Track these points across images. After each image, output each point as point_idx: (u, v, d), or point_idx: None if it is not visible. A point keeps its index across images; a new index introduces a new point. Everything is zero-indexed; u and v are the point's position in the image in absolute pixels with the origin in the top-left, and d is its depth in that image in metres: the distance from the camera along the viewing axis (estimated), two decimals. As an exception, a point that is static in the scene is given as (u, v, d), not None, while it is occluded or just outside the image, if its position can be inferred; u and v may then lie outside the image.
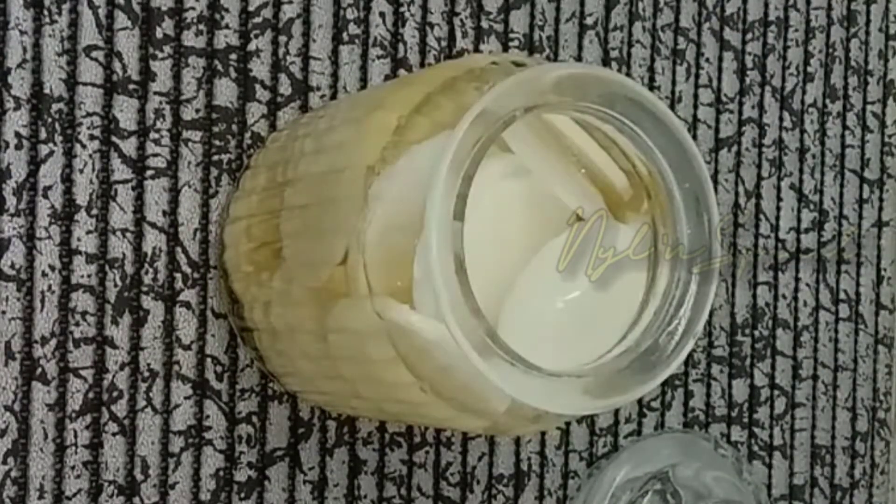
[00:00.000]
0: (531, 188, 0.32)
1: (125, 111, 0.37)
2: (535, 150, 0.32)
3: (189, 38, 0.37)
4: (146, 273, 0.37)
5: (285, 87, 0.39)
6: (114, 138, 0.36)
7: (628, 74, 0.45)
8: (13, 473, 0.35)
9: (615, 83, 0.31)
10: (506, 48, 0.43)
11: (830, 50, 0.50)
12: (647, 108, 0.31)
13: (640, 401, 0.45)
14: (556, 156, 0.32)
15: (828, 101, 0.50)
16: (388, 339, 0.30)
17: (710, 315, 0.41)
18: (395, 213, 0.29)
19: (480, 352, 0.28)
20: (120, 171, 0.36)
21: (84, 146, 0.36)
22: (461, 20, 0.42)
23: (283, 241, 0.33)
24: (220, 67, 0.38)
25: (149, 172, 0.37)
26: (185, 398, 0.37)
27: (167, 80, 0.37)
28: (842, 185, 0.50)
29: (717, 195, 0.39)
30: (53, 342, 0.36)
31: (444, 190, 0.28)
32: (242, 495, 0.38)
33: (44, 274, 0.35)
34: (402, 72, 0.41)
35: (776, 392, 0.48)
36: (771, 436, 0.48)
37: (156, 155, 0.37)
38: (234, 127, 0.38)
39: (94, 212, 0.36)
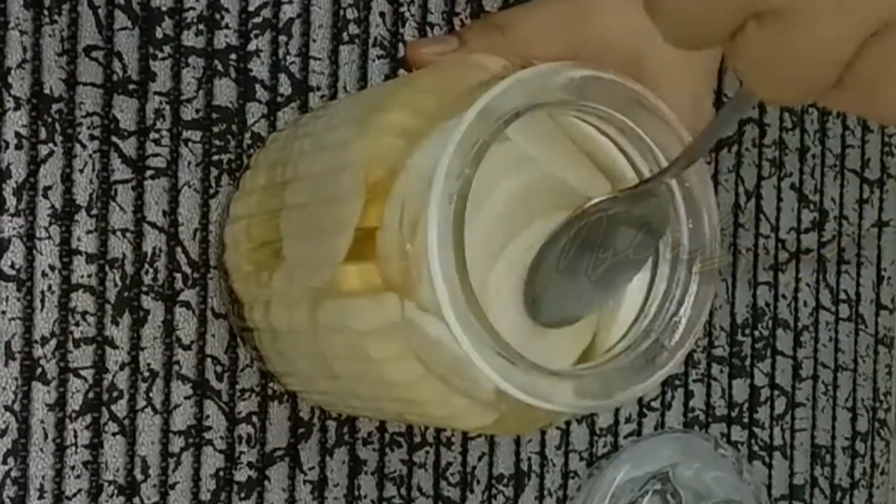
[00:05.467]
0: (535, 179, 0.32)
1: (125, 111, 0.37)
2: (539, 141, 0.32)
3: (189, 38, 0.37)
4: (146, 273, 0.37)
5: (285, 87, 0.39)
6: (114, 138, 0.36)
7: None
8: (13, 473, 0.35)
9: (617, 84, 0.31)
10: (506, 48, 0.43)
11: (830, 50, 0.50)
12: (647, 108, 0.31)
13: (640, 401, 0.45)
14: (560, 146, 0.32)
15: (828, 101, 0.50)
16: (390, 337, 0.30)
17: (710, 315, 0.41)
18: (396, 212, 0.29)
19: (480, 349, 0.28)
20: (120, 171, 0.36)
21: (84, 146, 0.36)
22: (461, 20, 0.42)
23: (283, 240, 0.33)
24: (220, 67, 0.38)
25: (149, 172, 0.37)
26: (185, 398, 0.37)
27: (167, 80, 0.37)
28: (842, 185, 0.50)
29: (717, 195, 0.39)
30: (53, 342, 0.35)
31: (445, 188, 0.28)
32: (242, 495, 0.38)
33: (44, 274, 0.35)
34: (402, 72, 0.41)
35: (776, 392, 0.48)
36: (771, 436, 0.48)
37: (156, 155, 0.37)
38: (234, 127, 0.38)
39: (94, 212, 0.36)
